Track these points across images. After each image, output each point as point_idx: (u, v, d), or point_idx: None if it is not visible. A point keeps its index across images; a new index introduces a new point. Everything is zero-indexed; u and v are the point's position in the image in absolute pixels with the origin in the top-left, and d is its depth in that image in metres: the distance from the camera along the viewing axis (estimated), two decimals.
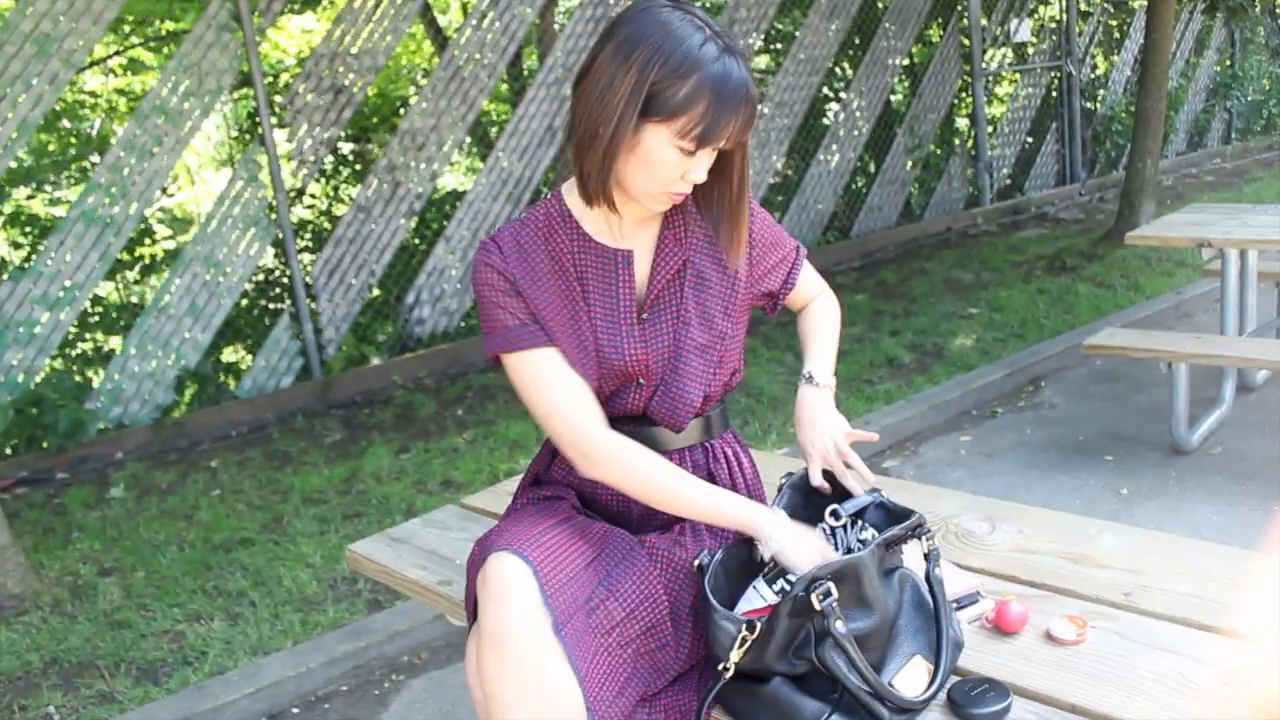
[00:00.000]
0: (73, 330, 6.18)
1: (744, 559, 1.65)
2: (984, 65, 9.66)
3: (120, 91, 11.03)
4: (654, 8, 1.61)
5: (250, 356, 6.65)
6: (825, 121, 8.99)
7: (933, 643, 1.55)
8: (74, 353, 6.40)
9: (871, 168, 9.34)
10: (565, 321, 1.74)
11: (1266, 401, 4.94)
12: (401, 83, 11.80)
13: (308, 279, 6.62)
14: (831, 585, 1.46)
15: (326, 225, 7.72)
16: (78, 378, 6.10)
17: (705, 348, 1.81)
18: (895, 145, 9.30)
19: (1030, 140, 10.37)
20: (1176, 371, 4.31)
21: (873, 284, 7.65)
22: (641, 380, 1.79)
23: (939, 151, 9.68)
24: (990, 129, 9.96)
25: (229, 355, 6.83)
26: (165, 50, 10.81)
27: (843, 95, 9.09)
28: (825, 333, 2.05)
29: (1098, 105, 11.00)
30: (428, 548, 2.28)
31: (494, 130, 9.49)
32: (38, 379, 5.77)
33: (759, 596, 1.58)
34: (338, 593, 3.80)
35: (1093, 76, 11.08)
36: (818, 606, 1.45)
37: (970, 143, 9.81)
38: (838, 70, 9.32)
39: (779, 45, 9.52)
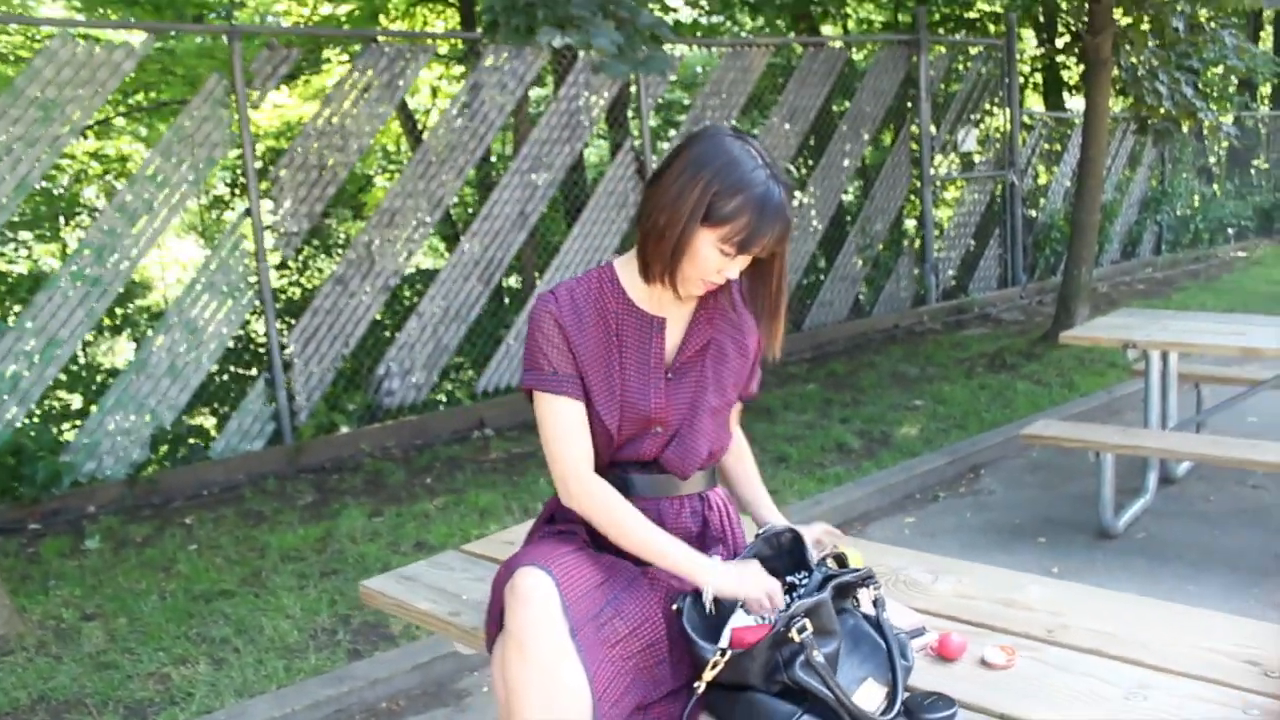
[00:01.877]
0: (53, 384, 6.34)
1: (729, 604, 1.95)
2: (932, 171, 10.18)
3: (93, 155, 11.29)
4: (720, 135, 1.98)
5: (222, 420, 6.84)
6: None
7: (882, 667, 1.84)
8: (52, 407, 6.56)
9: (823, 264, 9.78)
10: (600, 368, 2.07)
11: (1186, 492, 5.32)
12: (369, 161, 12.17)
13: (284, 345, 6.85)
14: (807, 621, 1.76)
15: (297, 295, 7.97)
16: (54, 431, 6.26)
17: (716, 410, 2.14)
18: (847, 243, 9.76)
19: (974, 244, 10.89)
20: (1103, 461, 4.67)
21: (823, 374, 8.02)
22: (659, 429, 2.10)
23: (888, 251, 10.16)
24: (937, 232, 10.47)
25: (203, 417, 7.01)
26: (145, 119, 11.13)
27: (798, 194, 9.55)
28: (757, 479, 2.38)
29: (1039, 213, 11.60)
30: (436, 585, 2.52)
31: (460, 212, 9.86)
32: (16, 429, 5.93)
33: (743, 617, 1.86)
34: (318, 642, 4.00)
35: (1034, 186, 11.69)
36: (797, 639, 1.75)
37: (918, 244, 10.30)
38: (794, 170, 9.79)
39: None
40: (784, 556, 2.06)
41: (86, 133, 10.25)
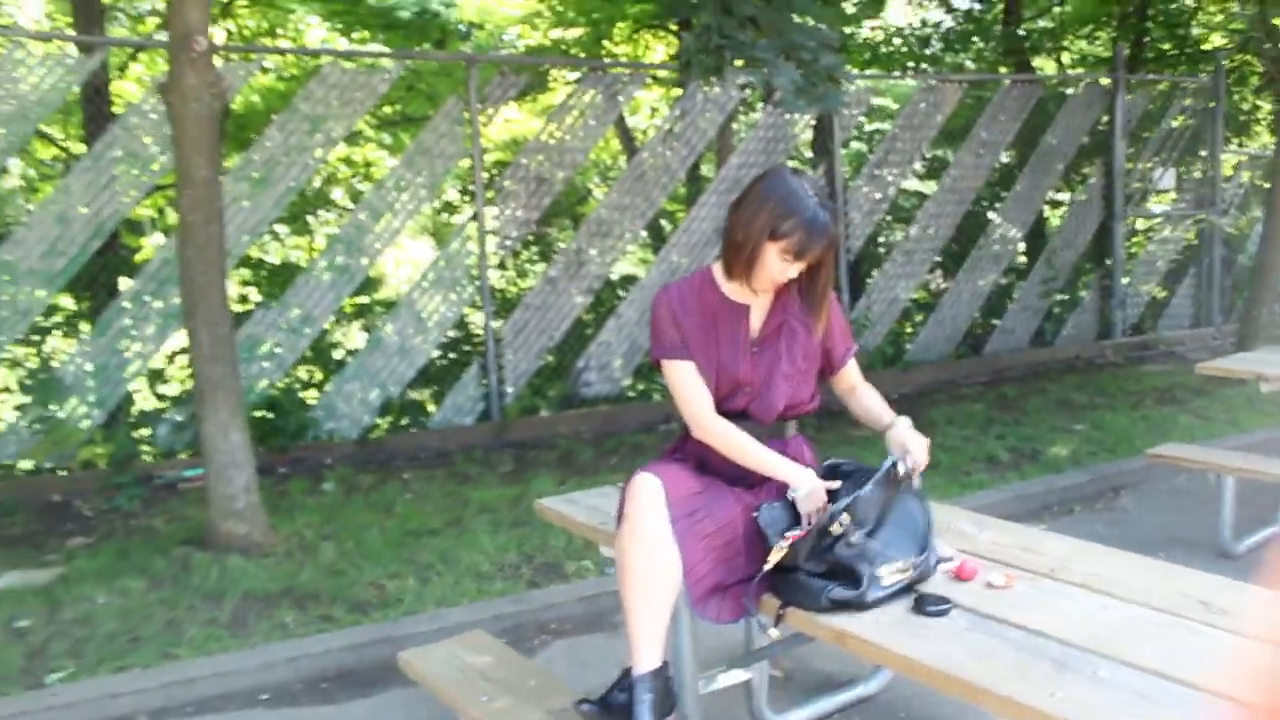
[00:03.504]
0: (307, 355, 7.45)
1: (793, 511, 2.59)
2: (1127, 207, 10.36)
3: (343, 160, 12.64)
4: (784, 173, 2.70)
5: (439, 397, 7.81)
6: (969, 246, 9.83)
7: (907, 552, 2.46)
8: (300, 376, 7.67)
9: (1009, 293, 10.12)
10: (701, 343, 2.77)
11: None
12: (587, 174, 13.14)
13: (498, 336, 7.78)
14: (846, 515, 2.41)
15: (512, 293, 8.92)
16: (301, 395, 7.36)
17: (789, 376, 2.80)
18: (1034, 274, 10.07)
19: (1168, 282, 10.96)
20: (1224, 484, 5.01)
21: (993, 396, 8.42)
22: (747, 389, 2.77)
23: (1075, 284, 10.39)
24: (1128, 268, 10.61)
25: (423, 394, 8.01)
26: (390, 129, 12.41)
27: (988, 224, 9.92)
28: (880, 401, 3.00)
29: (1241, 256, 11.53)
30: (591, 506, 3.26)
31: (668, 226, 10.65)
32: (274, 390, 7.03)
33: (799, 528, 2.52)
34: (505, 573, 4.81)
35: (1237, 228, 11.63)
36: (838, 530, 2.39)
37: (1106, 279, 10.49)
38: (985, 200, 10.17)
39: (935, 169, 10.44)
40: (844, 478, 2.69)
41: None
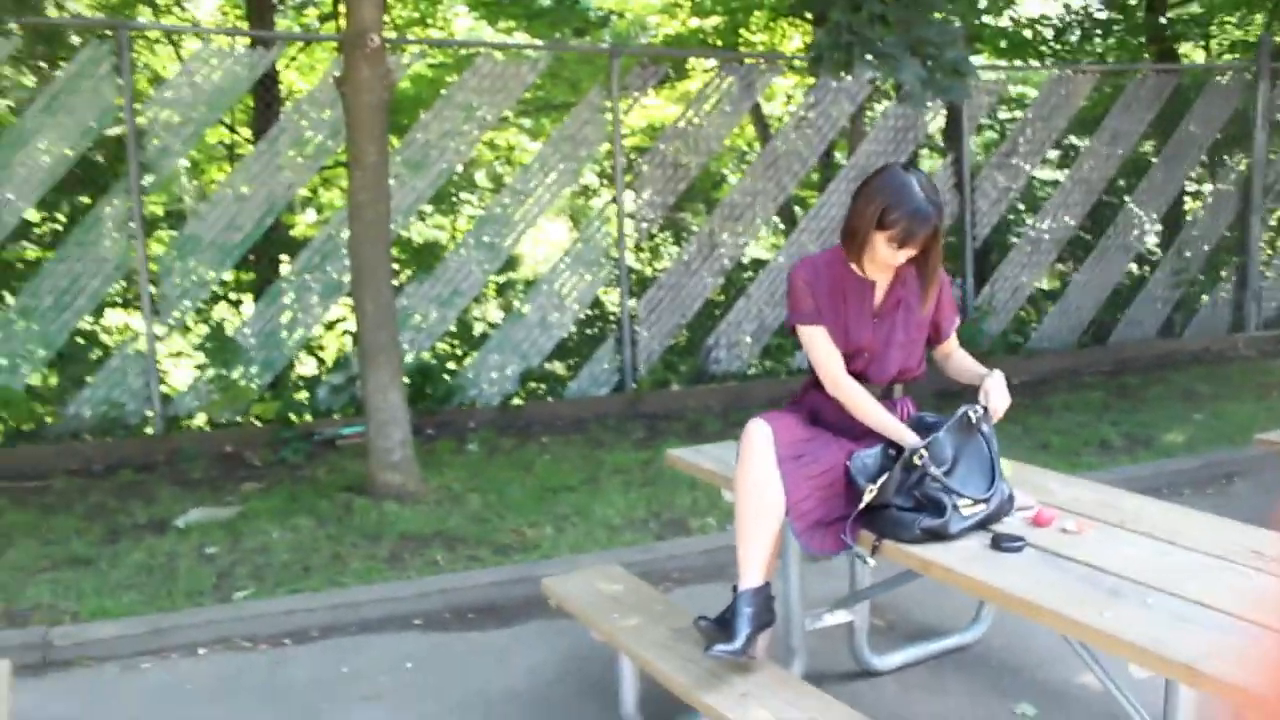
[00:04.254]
0: (450, 329, 8.00)
1: (884, 459, 2.94)
2: (1266, 199, 10.27)
3: (487, 144, 13.21)
4: (896, 169, 3.03)
5: (576, 369, 8.29)
6: (1098, 236, 9.89)
7: (978, 488, 2.80)
8: (444, 346, 8.23)
9: (1139, 283, 10.14)
10: (830, 312, 3.14)
11: None
12: (723, 161, 13.47)
13: (633, 313, 8.22)
14: (924, 451, 2.76)
15: (648, 273, 9.35)
16: (450, 363, 7.92)
17: (902, 345, 3.16)
18: (1165, 264, 10.07)
19: None
20: None
21: (1115, 385, 8.52)
22: (865, 354, 3.14)
23: (1207, 276, 10.34)
24: (1264, 259, 10.51)
25: (561, 366, 8.51)
26: (533, 115, 12.93)
27: (1119, 213, 9.96)
28: (971, 361, 3.33)
29: None
30: (717, 457, 3.66)
31: (800, 211, 10.93)
32: (425, 358, 7.60)
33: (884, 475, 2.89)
34: (634, 527, 5.25)
35: None
36: (918, 463, 2.75)
37: (1242, 271, 10.41)
38: (1117, 190, 10.19)
39: (1067, 158, 10.50)
40: (930, 429, 3.01)
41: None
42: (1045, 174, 10.62)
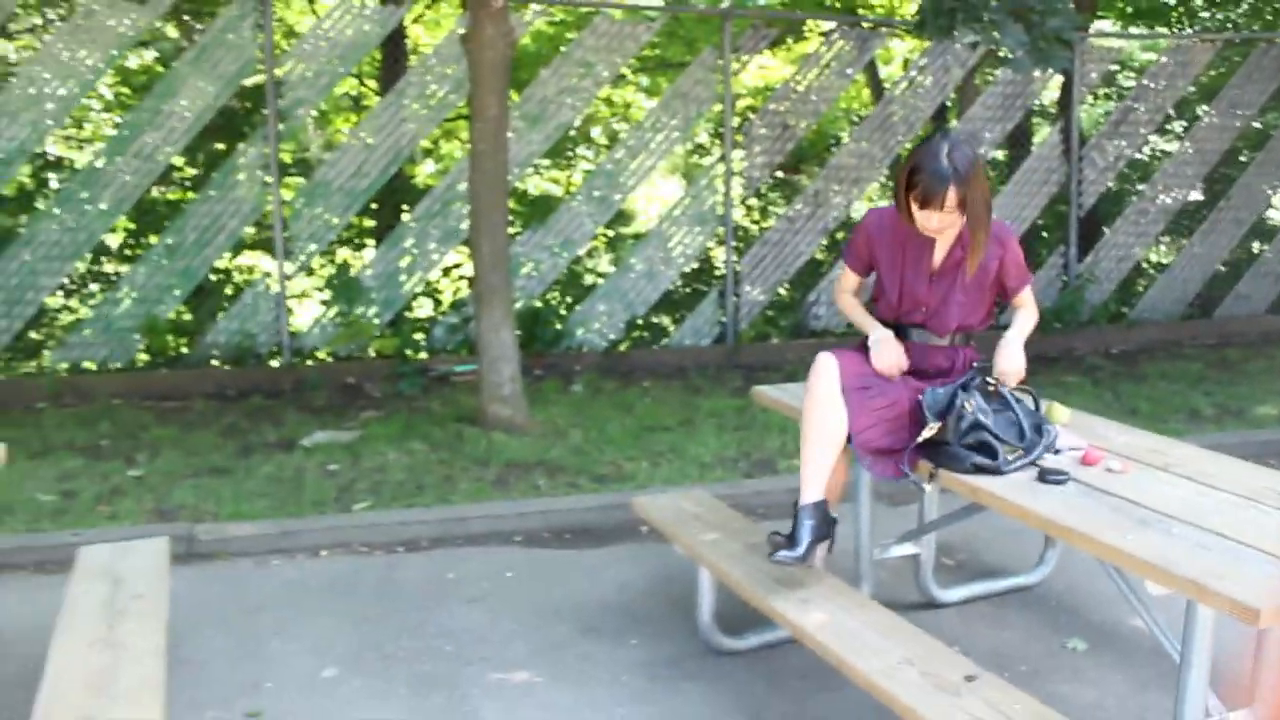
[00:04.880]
0: (562, 276, 8.38)
1: (953, 395, 3.19)
2: None
3: (603, 100, 13.49)
4: (934, 136, 3.24)
5: (679, 320, 8.61)
6: (1209, 208, 9.81)
7: (1015, 440, 3.05)
8: (555, 294, 8.61)
9: (1250, 257, 10.03)
10: (889, 263, 3.41)
11: None
12: (839, 123, 13.56)
13: (737, 269, 8.50)
14: (967, 404, 3.03)
15: (754, 231, 9.60)
16: (561, 310, 8.30)
17: (961, 303, 3.39)
18: (1276, 240, 9.95)
19: None
20: None
21: (1215, 358, 8.52)
22: (924, 308, 3.39)
23: None
24: None
25: (664, 317, 8.83)
26: (649, 73, 13.17)
27: (1232, 186, 9.86)
28: (1020, 322, 3.52)
29: None
30: (796, 394, 3.95)
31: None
32: (533, 304, 8.00)
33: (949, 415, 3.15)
34: (724, 465, 5.57)
35: None
36: (969, 409, 3.02)
37: None
38: (1234, 162, 10.07)
39: (1181, 128, 10.42)
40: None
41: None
42: (1162, 144, 10.54)
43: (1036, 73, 8.94)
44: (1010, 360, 3.34)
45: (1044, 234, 9.82)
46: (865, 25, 9.12)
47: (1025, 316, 3.55)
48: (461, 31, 5.88)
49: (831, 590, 3.22)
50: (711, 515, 3.89)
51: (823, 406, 3.22)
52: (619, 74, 9.12)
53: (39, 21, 8.75)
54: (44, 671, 2.68)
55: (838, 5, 11.94)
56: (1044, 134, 10.07)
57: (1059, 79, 9.37)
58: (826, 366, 3.24)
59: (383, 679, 3.55)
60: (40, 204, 7.69)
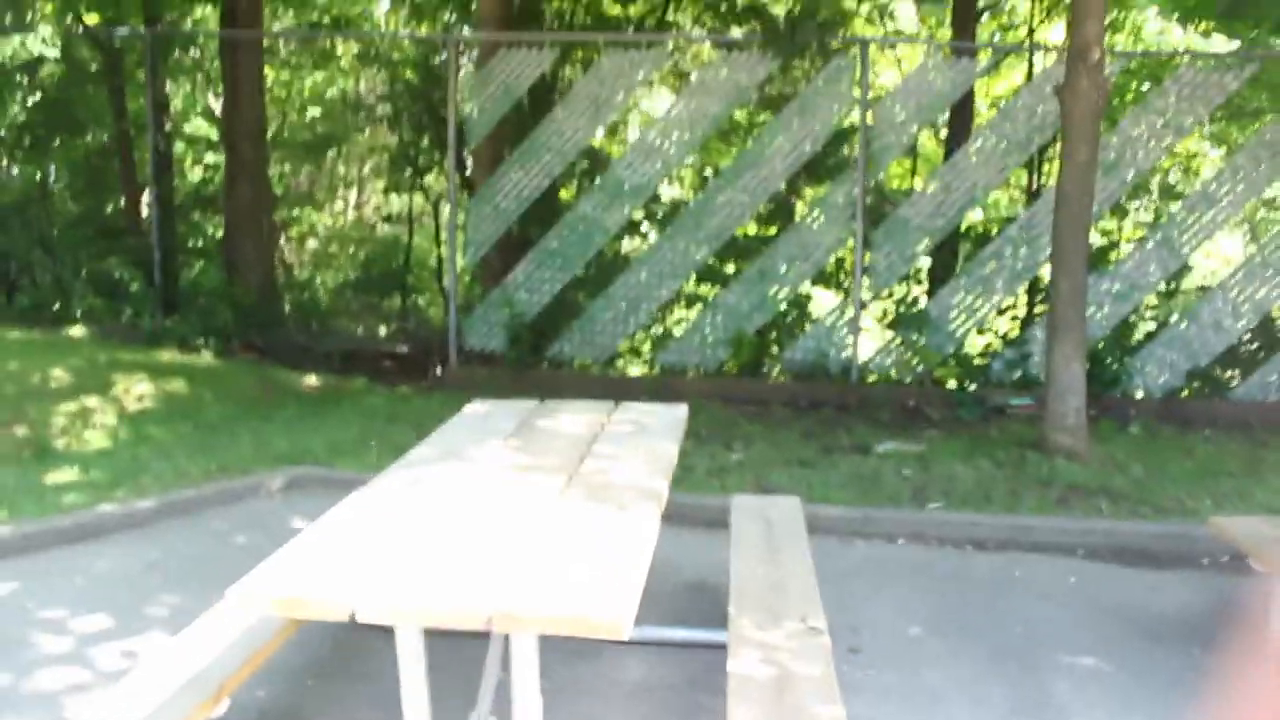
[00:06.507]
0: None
1: None
2: None
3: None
4: None
5: (1247, 372, 8.41)
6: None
7: None
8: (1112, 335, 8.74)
9: None
10: None
11: None
12: None
13: None
14: None
15: None
16: (1117, 352, 8.46)
17: None
18: None
19: None
20: None
21: None
22: None
23: None
24: None
25: (1226, 369, 8.66)
26: (1220, 123, 12.67)
27: None
28: None
29: None
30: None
31: None
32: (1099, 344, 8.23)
33: None
34: None
35: None
36: None
37: None
38: None
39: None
40: None
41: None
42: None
43: None
44: None
45: None
46: None
47: None
48: (1057, 84, 6.36)
49: None
50: None
51: None
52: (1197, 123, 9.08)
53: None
54: (730, 574, 3.54)
55: None
56: None
57: None
58: None
59: (961, 642, 4.13)
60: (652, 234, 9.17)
